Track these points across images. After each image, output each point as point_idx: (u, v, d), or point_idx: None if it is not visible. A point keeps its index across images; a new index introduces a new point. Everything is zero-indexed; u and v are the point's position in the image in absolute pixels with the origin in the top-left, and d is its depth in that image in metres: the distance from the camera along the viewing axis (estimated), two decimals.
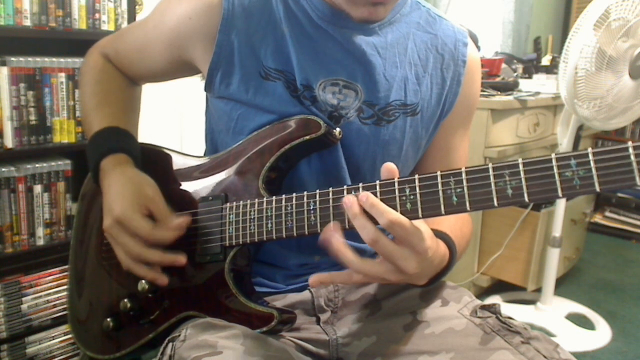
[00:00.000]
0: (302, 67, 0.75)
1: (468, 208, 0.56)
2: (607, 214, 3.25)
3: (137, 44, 0.86)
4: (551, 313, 2.11)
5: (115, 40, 0.91)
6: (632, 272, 2.69)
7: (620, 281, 2.56)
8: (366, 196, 0.59)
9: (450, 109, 0.83)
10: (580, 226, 2.49)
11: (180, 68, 0.83)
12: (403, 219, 0.57)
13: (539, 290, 2.16)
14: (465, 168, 0.56)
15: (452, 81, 0.82)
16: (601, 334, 2.05)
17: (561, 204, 2.03)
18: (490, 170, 0.54)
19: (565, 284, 2.45)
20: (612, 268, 2.73)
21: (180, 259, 0.72)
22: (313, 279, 0.63)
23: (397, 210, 0.59)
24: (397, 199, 0.59)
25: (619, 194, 3.21)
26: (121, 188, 0.73)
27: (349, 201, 0.59)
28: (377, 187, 0.61)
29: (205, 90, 0.80)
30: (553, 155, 0.52)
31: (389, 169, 0.60)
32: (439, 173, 0.57)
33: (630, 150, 0.48)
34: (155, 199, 0.73)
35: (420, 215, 0.58)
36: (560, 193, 0.51)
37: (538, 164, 0.52)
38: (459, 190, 0.56)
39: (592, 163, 0.50)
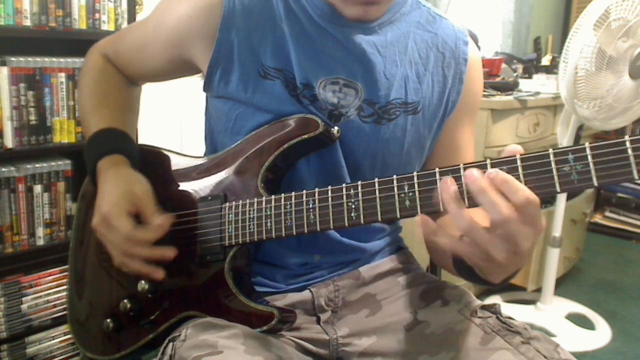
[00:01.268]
0: (301, 66, 0.75)
1: (467, 204, 0.55)
2: (607, 214, 3.25)
3: (137, 44, 0.86)
4: (551, 313, 2.11)
5: (115, 41, 0.91)
6: (632, 272, 2.68)
7: (620, 281, 2.56)
8: (496, 172, 0.52)
9: (454, 107, 0.83)
10: (580, 226, 2.49)
11: (180, 67, 0.83)
12: (535, 197, 0.52)
13: (539, 290, 2.16)
14: (464, 164, 0.56)
15: (454, 79, 0.82)
16: (601, 334, 2.05)
17: (561, 203, 2.03)
18: (488, 166, 0.54)
19: (565, 284, 2.45)
20: (612, 268, 2.73)
21: (168, 253, 0.72)
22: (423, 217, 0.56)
23: (396, 208, 0.59)
24: (396, 196, 0.59)
25: (619, 194, 3.20)
26: (112, 187, 0.74)
27: (473, 175, 0.53)
28: (376, 184, 0.61)
29: (204, 90, 0.80)
30: (551, 150, 0.52)
31: (512, 149, 0.55)
32: (437, 170, 0.57)
33: (628, 144, 0.48)
34: (143, 198, 0.73)
35: (419, 213, 0.58)
36: (558, 188, 0.51)
37: (536, 159, 0.52)
38: (453, 187, 0.56)
39: (589, 157, 0.50)
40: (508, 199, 0.51)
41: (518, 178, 0.53)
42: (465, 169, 0.55)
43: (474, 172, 0.53)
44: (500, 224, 0.52)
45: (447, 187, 0.54)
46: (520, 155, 0.53)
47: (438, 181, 0.57)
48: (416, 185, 0.58)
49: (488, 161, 0.55)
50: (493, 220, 0.52)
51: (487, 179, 0.52)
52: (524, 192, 0.51)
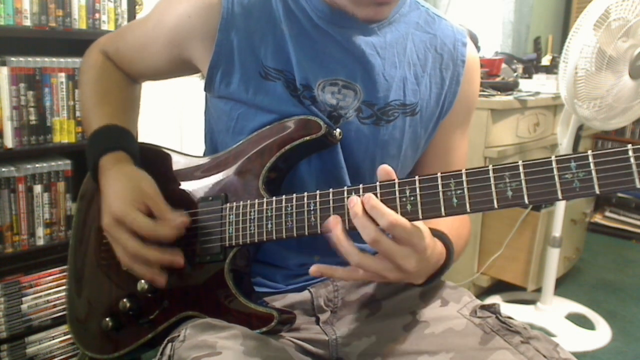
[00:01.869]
0: (301, 67, 0.75)
1: (468, 210, 0.56)
2: (607, 214, 3.25)
3: (137, 43, 0.86)
4: (551, 313, 2.11)
5: (115, 39, 0.91)
6: (632, 272, 2.68)
7: (620, 281, 2.56)
8: (368, 197, 0.59)
9: (449, 108, 0.83)
10: (580, 226, 2.49)
11: (180, 67, 0.83)
12: (403, 221, 0.58)
13: (539, 290, 2.16)
14: (466, 170, 0.56)
15: (451, 81, 0.82)
16: (601, 334, 2.05)
17: (561, 204, 2.03)
18: (491, 172, 0.55)
19: (565, 284, 2.45)
20: (612, 268, 2.73)
21: (179, 259, 0.72)
22: (314, 268, 0.63)
23: (397, 212, 0.59)
24: (398, 200, 0.59)
25: (619, 194, 3.20)
26: (119, 185, 0.73)
27: (353, 201, 0.60)
28: (378, 188, 0.61)
29: (205, 90, 0.80)
30: (553, 158, 0.52)
31: (387, 171, 0.60)
32: (439, 175, 0.57)
33: (630, 152, 0.48)
34: (153, 196, 0.73)
35: (421, 217, 0.58)
36: (560, 195, 0.51)
37: (538, 166, 0.52)
38: (459, 191, 0.56)
39: (591, 165, 0.50)
40: (377, 223, 0.58)
41: (520, 185, 0.53)
42: (468, 174, 0.56)
43: (353, 198, 0.60)
44: (373, 244, 0.59)
45: (352, 206, 0.60)
46: (523, 162, 0.53)
47: (440, 185, 0.57)
48: (418, 190, 0.58)
49: (490, 167, 0.55)
50: (366, 241, 0.59)
51: (360, 205, 0.59)
52: (388, 217, 0.57)
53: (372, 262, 0.60)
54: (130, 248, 0.71)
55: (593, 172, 0.50)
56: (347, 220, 0.62)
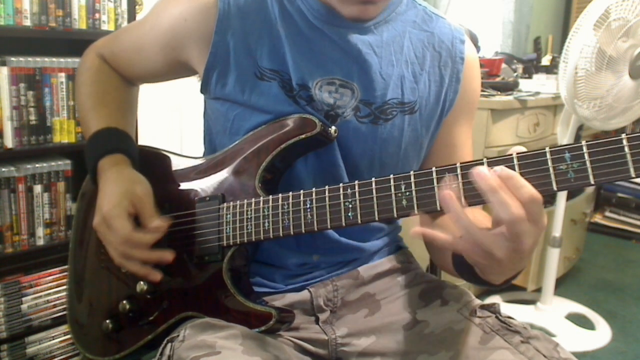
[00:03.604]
0: (297, 67, 0.75)
1: (464, 203, 0.55)
2: (607, 214, 3.25)
3: (133, 45, 0.86)
4: (551, 313, 2.11)
5: (111, 41, 0.91)
6: (632, 272, 2.68)
7: (620, 281, 2.56)
8: (501, 168, 0.52)
9: (451, 106, 0.83)
10: (580, 226, 2.49)
11: (177, 69, 0.83)
12: (539, 195, 0.51)
13: (539, 290, 2.16)
14: (460, 163, 0.56)
15: (451, 79, 0.82)
16: (601, 334, 2.05)
17: (561, 203, 2.03)
18: (485, 164, 0.54)
19: (565, 284, 2.45)
20: (612, 268, 2.73)
21: (167, 256, 0.72)
22: (416, 229, 0.56)
23: (392, 207, 0.59)
24: (393, 195, 0.59)
25: (619, 194, 3.20)
26: (114, 187, 0.74)
27: (482, 173, 0.51)
28: (373, 184, 0.61)
29: (202, 91, 0.80)
30: (547, 149, 0.52)
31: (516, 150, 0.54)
32: (434, 169, 0.57)
33: (624, 141, 0.48)
34: (143, 198, 0.74)
35: (416, 212, 0.58)
36: (555, 186, 0.51)
37: (532, 158, 0.52)
38: (454, 185, 0.56)
39: (586, 155, 0.50)
40: (514, 196, 0.50)
41: None
42: (462, 167, 0.55)
43: (484, 169, 0.51)
44: (509, 224, 0.50)
45: (446, 186, 0.54)
46: (517, 153, 0.53)
47: (435, 180, 0.57)
48: (413, 185, 0.58)
49: (484, 160, 0.55)
50: (502, 219, 0.51)
51: (497, 178, 0.51)
52: (528, 189, 0.50)
53: (489, 237, 0.53)
54: (118, 247, 0.72)
55: (587, 163, 0.49)
56: (462, 197, 0.55)
